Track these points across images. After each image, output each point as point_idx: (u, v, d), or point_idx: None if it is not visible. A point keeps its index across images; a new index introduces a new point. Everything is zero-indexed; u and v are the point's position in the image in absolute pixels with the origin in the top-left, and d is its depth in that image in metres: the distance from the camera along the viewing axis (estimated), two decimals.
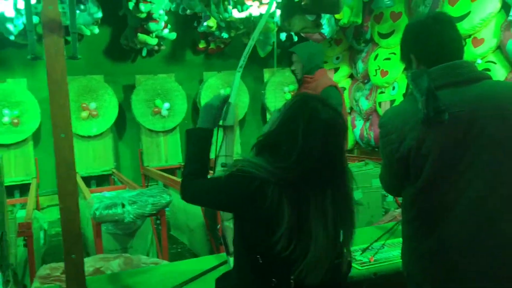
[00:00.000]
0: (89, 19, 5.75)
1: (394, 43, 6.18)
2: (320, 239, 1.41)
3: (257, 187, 1.40)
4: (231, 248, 1.90)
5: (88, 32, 6.00)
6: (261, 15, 6.41)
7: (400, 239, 2.55)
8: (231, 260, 1.90)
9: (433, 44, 1.60)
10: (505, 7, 4.87)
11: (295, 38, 7.33)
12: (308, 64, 3.45)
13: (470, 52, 5.18)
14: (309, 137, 1.42)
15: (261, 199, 1.40)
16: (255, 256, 1.45)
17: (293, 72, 3.61)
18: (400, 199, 4.86)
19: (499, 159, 1.48)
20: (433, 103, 1.48)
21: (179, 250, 5.11)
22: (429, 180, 1.53)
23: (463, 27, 5.17)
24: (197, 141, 1.70)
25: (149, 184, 6.80)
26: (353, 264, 2.23)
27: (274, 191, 1.40)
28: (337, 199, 1.46)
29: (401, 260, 2.30)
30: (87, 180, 6.39)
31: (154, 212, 3.61)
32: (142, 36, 6.44)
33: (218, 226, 2.11)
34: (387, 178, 1.75)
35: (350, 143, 7.36)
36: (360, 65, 6.98)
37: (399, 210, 3.90)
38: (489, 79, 1.57)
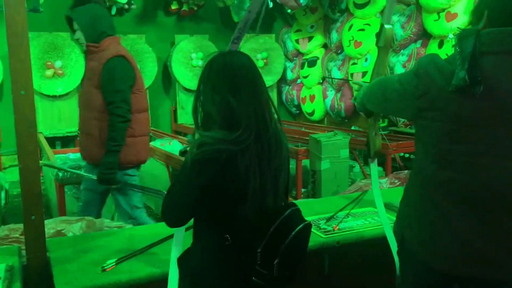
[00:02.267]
0: None
1: (369, 14, 6.16)
2: (257, 194, 1.44)
3: (226, 160, 1.39)
4: None
5: None
6: None
7: (365, 209, 2.61)
8: None
9: (506, 7, 1.43)
10: None
11: (271, 4, 7.20)
12: (92, 31, 2.98)
13: (443, 27, 5.21)
14: (235, 94, 1.44)
15: (232, 170, 1.40)
16: (223, 235, 1.44)
17: (77, 41, 3.13)
18: (367, 171, 4.92)
19: None
20: (471, 71, 1.36)
21: (146, 214, 5.08)
22: (445, 151, 1.47)
23: (438, 0, 5.18)
24: None
25: None
26: (317, 232, 2.26)
27: (241, 159, 1.40)
28: (264, 148, 1.47)
29: (366, 229, 2.34)
30: (52, 141, 6.23)
31: None
32: None
33: None
34: (389, 92, 1.67)
35: (320, 113, 7.39)
36: (334, 35, 6.94)
37: (365, 181, 3.96)
38: None
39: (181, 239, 1.78)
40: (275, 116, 1.55)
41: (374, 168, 2.35)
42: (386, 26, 2.17)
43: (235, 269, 1.47)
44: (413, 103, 1.52)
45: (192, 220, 1.56)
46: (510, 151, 1.38)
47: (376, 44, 2.23)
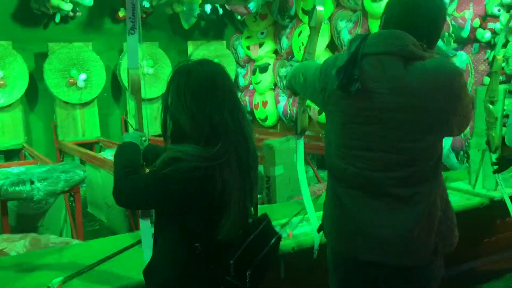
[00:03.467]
0: None
1: None
2: (240, 207, 1.40)
3: (204, 177, 1.33)
4: None
5: None
6: None
7: (319, 213, 2.62)
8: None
9: (397, 12, 1.55)
10: None
11: (221, 11, 7.19)
12: None
13: None
14: (211, 108, 1.37)
15: (210, 186, 1.34)
16: (193, 245, 1.39)
17: None
18: (321, 175, 4.96)
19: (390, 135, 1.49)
20: (349, 70, 1.48)
21: (97, 227, 4.92)
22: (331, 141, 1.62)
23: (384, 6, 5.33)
24: (129, 151, 1.54)
25: (65, 159, 6.44)
26: None
27: (220, 174, 1.35)
28: (243, 160, 1.43)
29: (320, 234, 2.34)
30: None
31: (67, 189, 3.41)
32: (55, 1, 5.98)
33: None
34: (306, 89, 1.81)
35: (273, 119, 7.42)
36: (284, 41, 7.01)
37: (318, 185, 3.99)
38: (421, 61, 1.48)
39: (150, 241, 1.72)
40: (250, 126, 1.49)
41: (300, 144, 2.43)
42: (318, 8, 2.27)
43: (206, 279, 1.43)
44: (318, 95, 1.66)
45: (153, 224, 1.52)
46: (391, 147, 1.49)
47: (308, 24, 2.39)
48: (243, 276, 1.42)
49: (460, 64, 4.62)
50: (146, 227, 1.81)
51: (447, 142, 4.59)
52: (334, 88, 1.53)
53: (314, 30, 2.35)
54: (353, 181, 1.56)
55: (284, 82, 6.89)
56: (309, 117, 5.92)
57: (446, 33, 4.65)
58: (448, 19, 4.66)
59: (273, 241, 1.53)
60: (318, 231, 1.85)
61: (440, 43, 4.76)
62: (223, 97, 1.40)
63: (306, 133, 2.57)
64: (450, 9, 4.67)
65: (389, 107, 1.47)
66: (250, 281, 1.44)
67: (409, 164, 1.50)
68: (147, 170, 1.61)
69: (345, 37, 5.88)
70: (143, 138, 1.65)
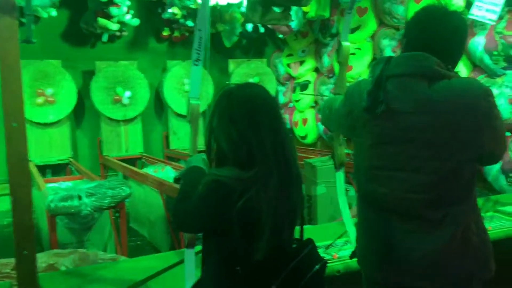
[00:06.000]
0: (46, 0, 5.49)
1: (359, 38, 6.21)
2: (277, 230, 1.39)
3: (241, 198, 1.33)
4: None
5: (45, 15, 5.73)
6: (228, 4, 6.32)
7: None
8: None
9: (418, 34, 1.57)
10: (468, 6, 4.97)
11: (262, 29, 7.27)
12: None
13: None
14: (255, 130, 1.38)
15: (247, 208, 1.34)
16: (234, 269, 1.39)
17: None
18: None
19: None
20: (375, 92, 1.50)
21: (139, 243, 4.99)
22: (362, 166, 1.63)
23: None
24: (192, 176, 1.55)
25: (108, 174, 6.61)
26: None
27: (257, 197, 1.34)
28: (282, 183, 1.41)
29: None
30: (42, 169, 6.14)
31: (113, 204, 3.49)
32: (102, 21, 6.21)
33: None
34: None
35: (313, 136, 7.39)
36: (325, 59, 7.00)
37: None
38: (446, 80, 1.48)
39: (193, 270, 1.75)
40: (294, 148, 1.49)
41: (339, 177, 2.44)
42: (343, 43, 2.30)
43: None
44: (344, 121, 1.69)
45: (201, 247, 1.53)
46: (420, 167, 1.48)
47: (337, 60, 2.49)
48: None
49: (509, 83, 4.48)
50: (190, 256, 1.83)
51: (496, 164, 4.44)
52: (360, 111, 1.56)
53: (342, 65, 2.39)
54: (383, 203, 1.55)
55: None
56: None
57: (495, 52, 4.53)
58: (497, 37, 4.54)
59: (317, 267, 1.49)
60: (351, 257, 1.82)
61: (488, 61, 4.64)
62: (262, 120, 1.40)
63: (346, 151, 2.57)
64: (500, 27, 4.55)
65: (415, 126, 1.47)
66: None
67: (439, 185, 1.48)
68: None
69: (389, 55, 5.81)
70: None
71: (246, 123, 1.39)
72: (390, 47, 5.86)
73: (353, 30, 6.35)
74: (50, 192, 3.48)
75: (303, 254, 1.47)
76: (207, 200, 1.37)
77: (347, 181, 4.99)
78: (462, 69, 5.03)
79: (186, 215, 1.44)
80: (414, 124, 1.47)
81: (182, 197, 1.46)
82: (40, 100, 6.24)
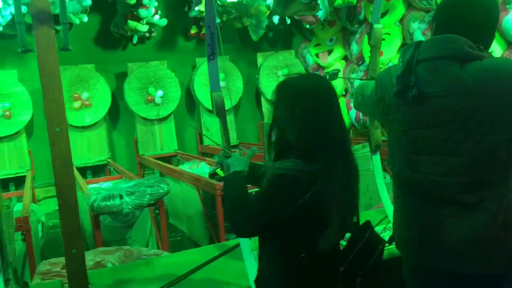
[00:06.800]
0: (78, 7, 5.64)
1: (388, 23, 6.12)
2: (341, 219, 1.41)
3: (307, 189, 1.36)
4: None
5: (77, 21, 5.89)
6: None
7: None
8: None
9: (449, 17, 1.55)
10: None
11: (288, 21, 7.25)
12: None
13: None
14: (316, 123, 1.39)
15: (313, 199, 1.36)
16: (299, 256, 1.42)
17: None
18: None
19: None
20: (406, 77, 1.50)
21: (178, 238, 5.10)
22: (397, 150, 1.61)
23: None
24: (235, 182, 1.56)
25: (145, 172, 6.76)
26: None
27: (323, 189, 1.36)
28: (345, 172, 1.43)
29: None
30: (83, 171, 6.34)
31: (153, 202, 3.58)
32: (132, 23, 6.34)
33: None
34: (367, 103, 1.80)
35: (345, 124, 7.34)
36: (354, 47, 6.93)
37: None
38: (479, 61, 1.46)
39: (253, 262, 1.79)
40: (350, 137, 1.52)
41: (376, 160, 2.42)
42: (375, 25, 2.28)
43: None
44: (376, 108, 1.67)
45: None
46: (454, 150, 1.47)
47: (368, 43, 2.43)
48: (353, 284, 1.43)
49: None
50: (247, 248, 1.87)
51: None
52: (392, 97, 1.55)
53: (375, 48, 2.37)
54: (419, 188, 1.54)
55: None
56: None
57: None
58: None
59: (380, 247, 1.52)
60: (389, 243, 1.82)
61: None
62: (326, 111, 1.42)
63: (382, 138, 2.56)
64: None
65: (447, 109, 1.45)
66: None
67: (475, 167, 1.46)
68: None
69: (419, 38, 5.71)
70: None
71: (311, 115, 1.40)
72: (420, 30, 5.75)
73: (381, 15, 6.25)
74: (93, 192, 3.60)
75: (366, 236, 1.50)
76: (274, 194, 1.38)
77: (383, 168, 4.95)
78: (496, 48, 4.90)
79: (246, 221, 1.44)
80: (447, 107, 1.46)
81: (234, 205, 1.45)
82: (76, 104, 6.43)
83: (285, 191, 1.36)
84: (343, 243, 1.53)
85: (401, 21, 6.07)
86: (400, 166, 1.60)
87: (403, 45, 6.14)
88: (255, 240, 1.64)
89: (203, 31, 7.17)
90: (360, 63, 6.89)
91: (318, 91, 1.44)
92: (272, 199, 1.39)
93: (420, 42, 1.56)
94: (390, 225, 2.50)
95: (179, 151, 7.04)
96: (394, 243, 1.74)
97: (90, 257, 2.45)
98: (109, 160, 6.58)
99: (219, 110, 1.87)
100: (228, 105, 6.81)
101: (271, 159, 1.52)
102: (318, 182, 1.35)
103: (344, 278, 1.43)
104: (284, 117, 1.45)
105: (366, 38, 6.51)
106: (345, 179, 1.41)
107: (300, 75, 1.50)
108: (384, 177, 5.03)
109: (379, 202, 3.96)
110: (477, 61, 1.46)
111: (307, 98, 1.42)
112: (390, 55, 6.19)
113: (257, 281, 1.58)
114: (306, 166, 1.36)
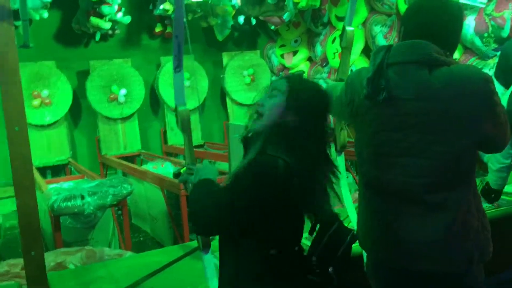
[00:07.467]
0: (38, 2, 5.48)
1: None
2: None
3: (285, 183, 1.37)
4: None
5: (37, 17, 5.73)
6: None
7: None
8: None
9: (416, 23, 1.59)
10: None
11: (253, 21, 7.27)
12: None
13: None
14: (303, 118, 1.43)
15: (294, 190, 1.38)
16: (269, 253, 1.43)
17: None
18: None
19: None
20: (376, 80, 1.54)
21: (142, 239, 5.05)
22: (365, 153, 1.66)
23: None
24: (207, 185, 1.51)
25: (108, 172, 6.65)
26: None
27: (301, 182, 1.39)
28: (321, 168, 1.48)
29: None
30: (43, 170, 6.17)
31: (115, 202, 3.53)
32: (94, 20, 6.21)
33: None
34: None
35: None
36: (318, 48, 7.02)
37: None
38: (446, 66, 1.51)
39: (214, 273, 1.77)
40: None
41: (341, 160, 2.48)
42: (348, 28, 2.33)
43: (288, 284, 1.46)
44: (345, 109, 1.72)
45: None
46: (423, 152, 1.51)
47: (340, 45, 2.52)
48: (326, 273, 1.46)
49: None
50: (209, 260, 1.84)
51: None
52: (362, 99, 1.59)
53: (346, 50, 2.41)
54: (386, 188, 1.59)
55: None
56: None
57: (485, 34, 4.56)
58: (487, 19, 4.57)
59: (349, 238, 1.52)
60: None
61: (479, 43, 4.68)
62: (315, 108, 1.47)
63: (347, 139, 2.61)
64: (489, 9, 4.58)
65: (416, 112, 1.50)
66: (335, 278, 1.47)
67: (440, 170, 1.51)
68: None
69: (381, 42, 5.84)
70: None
71: (303, 111, 1.44)
72: (381, 34, 5.88)
73: (344, 19, 6.37)
74: (53, 192, 3.52)
75: (336, 226, 1.50)
76: (247, 180, 1.38)
77: (346, 168, 5.04)
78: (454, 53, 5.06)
79: (213, 208, 1.36)
80: (416, 110, 1.50)
81: (202, 196, 1.42)
82: (36, 102, 6.25)
83: (258, 177, 1.37)
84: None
85: (363, 24, 6.19)
86: (368, 166, 1.65)
87: (366, 48, 6.28)
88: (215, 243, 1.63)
89: (168, 30, 7.11)
90: (324, 64, 6.99)
91: (311, 90, 1.52)
92: (245, 185, 1.38)
93: (391, 46, 1.60)
94: (352, 224, 2.56)
95: (143, 151, 6.95)
96: (358, 241, 1.78)
97: (51, 258, 2.40)
98: (70, 159, 6.43)
99: (185, 127, 1.84)
100: (193, 105, 6.78)
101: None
102: (299, 175, 1.38)
103: (316, 267, 1.45)
104: (272, 110, 1.46)
105: (330, 39, 6.62)
106: (321, 172, 1.45)
107: (294, 74, 1.61)
108: (347, 177, 5.13)
109: (338, 203, 4.04)
110: (445, 66, 1.51)
111: (297, 97, 1.47)
112: (353, 57, 6.31)
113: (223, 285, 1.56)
114: (286, 159, 1.38)
